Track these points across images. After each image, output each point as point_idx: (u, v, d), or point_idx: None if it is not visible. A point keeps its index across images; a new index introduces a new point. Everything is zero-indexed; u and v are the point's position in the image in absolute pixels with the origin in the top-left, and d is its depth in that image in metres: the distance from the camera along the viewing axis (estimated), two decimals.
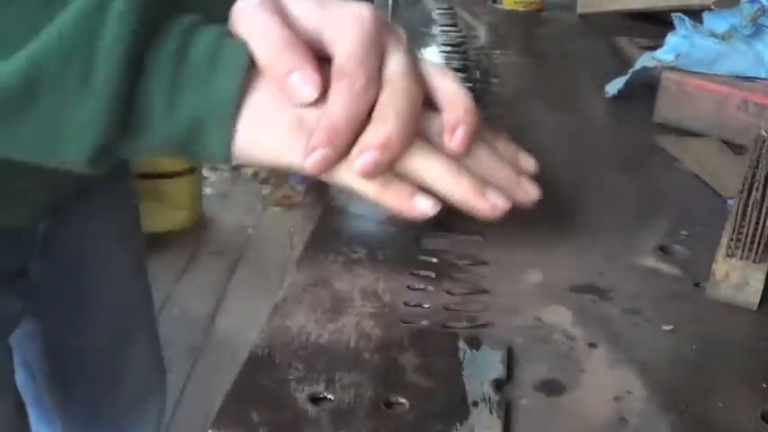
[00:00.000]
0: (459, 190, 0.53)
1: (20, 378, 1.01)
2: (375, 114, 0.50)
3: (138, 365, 1.17)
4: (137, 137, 0.49)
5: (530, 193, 0.59)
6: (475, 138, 0.54)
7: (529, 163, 0.61)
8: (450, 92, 0.54)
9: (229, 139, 0.50)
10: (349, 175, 0.51)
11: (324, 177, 0.52)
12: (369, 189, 0.52)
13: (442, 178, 0.53)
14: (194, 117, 0.49)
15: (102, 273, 1.04)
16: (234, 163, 0.52)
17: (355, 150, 0.50)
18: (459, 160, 0.54)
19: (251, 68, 0.50)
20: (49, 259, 0.94)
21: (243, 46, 0.50)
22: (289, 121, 0.51)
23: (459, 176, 0.53)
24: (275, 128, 0.51)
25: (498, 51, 1.35)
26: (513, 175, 0.59)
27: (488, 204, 0.55)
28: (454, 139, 0.53)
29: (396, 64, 0.51)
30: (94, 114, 0.47)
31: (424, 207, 0.53)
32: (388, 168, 0.51)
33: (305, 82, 0.49)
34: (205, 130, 0.50)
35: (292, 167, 0.52)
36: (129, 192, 1.07)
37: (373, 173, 0.50)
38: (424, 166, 0.52)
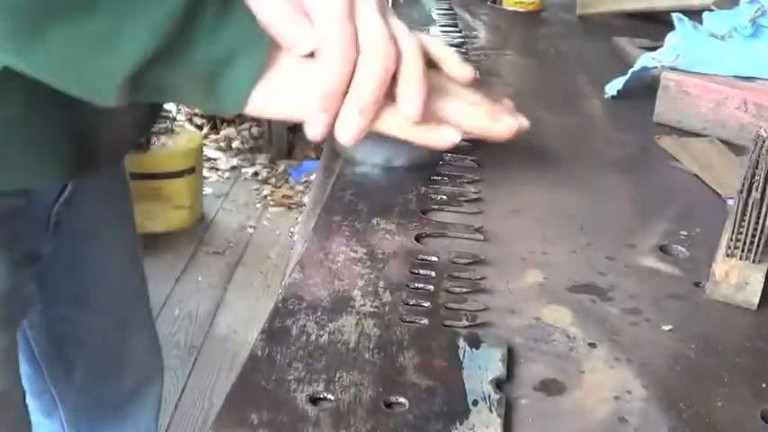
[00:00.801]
0: (480, 117, 0.69)
1: (23, 367, 1.04)
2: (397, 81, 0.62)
3: (137, 354, 1.20)
4: (178, 57, 0.54)
5: (520, 122, 0.74)
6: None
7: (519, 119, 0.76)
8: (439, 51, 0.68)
9: (254, 78, 0.58)
10: (395, 126, 0.65)
11: (373, 127, 0.64)
12: (411, 134, 0.66)
13: (467, 114, 0.68)
14: (230, 47, 0.56)
15: (103, 259, 1.08)
16: (245, 110, 0.59)
17: (401, 100, 0.63)
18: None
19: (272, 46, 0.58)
20: (58, 242, 0.97)
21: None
22: (304, 83, 0.60)
23: (477, 109, 0.69)
24: (293, 86, 0.60)
25: (498, 51, 1.35)
26: (506, 107, 0.75)
27: (503, 126, 0.71)
28: (464, 77, 0.68)
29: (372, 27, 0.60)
30: (158, 21, 0.52)
31: (450, 136, 0.67)
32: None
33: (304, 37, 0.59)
34: (235, 64, 0.56)
35: (301, 120, 0.62)
36: (126, 185, 1.13)
37: (417, 118, 0.63)
38: (453, 107, 0.67)
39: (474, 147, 0.90)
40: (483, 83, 1.13)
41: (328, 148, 0.97)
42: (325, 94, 0.60)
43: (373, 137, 0.67)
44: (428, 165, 0.80)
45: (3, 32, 0.53)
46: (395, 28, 0.63)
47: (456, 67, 0.67)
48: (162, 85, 0.56)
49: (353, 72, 0.59)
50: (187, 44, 0.54)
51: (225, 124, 3.80)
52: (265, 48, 0.58)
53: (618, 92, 1.10)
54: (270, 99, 0.60)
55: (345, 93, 0.60)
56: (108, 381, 1.18)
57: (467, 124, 0.68)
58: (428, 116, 0.65)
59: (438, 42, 0.68)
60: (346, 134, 0.62)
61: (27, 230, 0.91)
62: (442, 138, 0.67)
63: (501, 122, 0.71)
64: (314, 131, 0.61)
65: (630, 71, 1.09)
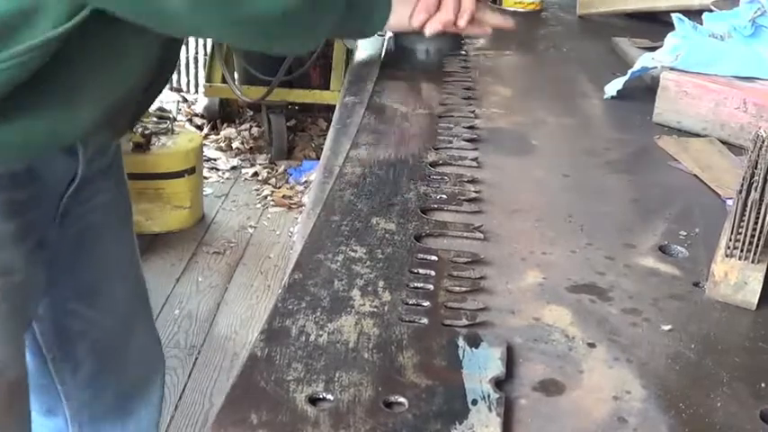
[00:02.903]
0: (499, 20, 1.14)
1: (28, 362, 1.05)
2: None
3: (139, 349, 1.23)
4: (349, 18, 0.93)
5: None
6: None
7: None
8: None
9: (388, 15, 1.01)
10: (454, 28, 1.07)
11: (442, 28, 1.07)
12: (470, 30, 1.11)
13: (492, 18, 1.13)
14: (374, 4, 1.00)
15: (107, 253, 1.12)
16: (385, 30, 1.09)
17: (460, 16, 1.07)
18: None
19: None
20: (65, 234, 1.01)
21: None
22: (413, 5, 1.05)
23: (497, 16, 1.14)
24: (407, 8, 1.04)
25: (498, 51, 1.35)
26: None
27: (510, 24, 1.16)
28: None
29: None
30: (339, 9, 0.89)
31: (488, 30, 1.13)
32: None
33: None
34: (379, 10, 1.00)
35: (409, 29, 1.07)
36: (125, 185, 1.16)
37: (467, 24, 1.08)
38: (483, 14, 1.10)
39: (475, 146, 0.91)
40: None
41: (329, 148, 0.97)
42: (426, 6, 1.04)
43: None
44: (452, 48, 1.27)
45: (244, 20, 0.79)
46: None
47: None
48: (338, 34, 1.03)
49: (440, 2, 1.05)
50: (353, 14, 0.94)
51: (225, 125, 3.80)
52: None
53: (617, 92, 1.10)
54: (396, 22, 1.03)
55: (435, 10, 1.05)
56: (112, 376, 1.19)
57: (492, 22, 1.12)
58: (474, 21, 1.08)
59: None
60: (430, 30, 1.05)
61: (38, 221, 0.95)
62: (482, 30, 1.13)
63: (508, 21, 1.15)
64: (427, 29, 1.06)
65: (630, 71, 1.09)
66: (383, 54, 1.28)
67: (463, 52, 1.29)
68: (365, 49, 1.33)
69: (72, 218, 1.01)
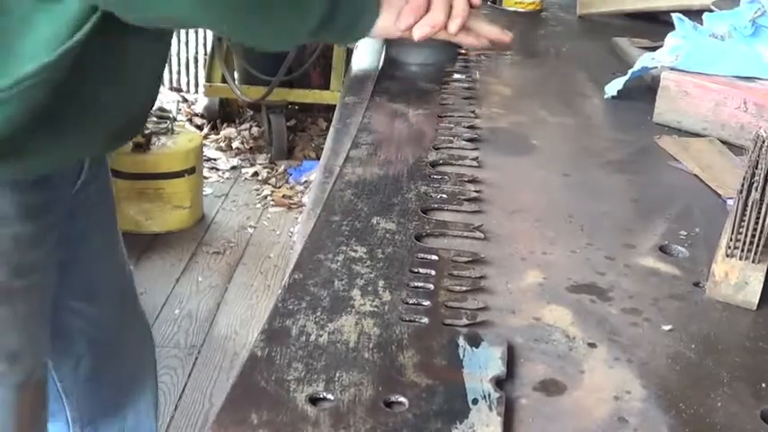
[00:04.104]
0: (496, 32, 1.01)
1: None
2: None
3: (134, 340, 1.27)
4: (333, 19, 0.87)
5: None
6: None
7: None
8: None
9: (375, 20, 0.93)
10: (444, 34, 0.97)
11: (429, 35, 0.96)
12: (463, 39, 1.00)
13: (489, 30, 1.01)
14: (361, 8, 0.91)
15: (99, 249, 1.16)
16: (371, 36, 0.95)
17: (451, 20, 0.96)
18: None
19: None
20: (68, 233, 1.04)
21: None
22: (401, 9, 0.93)
23: (494, 27, 1.02)
24: (395, 14, 0.93)
25: (498, 51, 1.35)
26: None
27: (508, 37, 1.02)
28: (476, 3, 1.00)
29: None
30: (321, 8, 0.85)
31: (484, 41, 1.01)
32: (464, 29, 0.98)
33: None
34: (364, 16, 0.92)
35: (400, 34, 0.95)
36: (110, 178, 1.20)
37: (458, 30, 0.96)
38: (479, 25, 1.00)
39: (475, 146, 0.91)
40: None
41: (329, 148, 0.97)
42: (415, 8, 0.94)
43: (416, 45, 1.03)
44: (447, 61, 1.21)
45: (230, 12, 0.81)
46: None
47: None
48: (319, 36, 0.89)
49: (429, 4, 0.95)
50: (336, 15, 0.87)
51: (225, 124, 3.80)
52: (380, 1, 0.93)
53: (618, 92, 1.10)
54: (382, 27, 0.93)
55: (424, 13, 0.94)
56: (110, 368, 1.22)
57: (489, 34, 1.01)
58: (468, 30, 0.99)
59: None
60: (418, 35, 0.95)
61: (53, 223, 0.99)
62: (477, 41, 1.01)
63: (506, 34, 1.02)
64: (415, 32, 0.95)
65: (630, 71, 1.09)
66: (379, 68, 1.21)
67: (463, 51, 1.23)
68: (359, 64, 1.27)
69: (72, 217, 1.03)
